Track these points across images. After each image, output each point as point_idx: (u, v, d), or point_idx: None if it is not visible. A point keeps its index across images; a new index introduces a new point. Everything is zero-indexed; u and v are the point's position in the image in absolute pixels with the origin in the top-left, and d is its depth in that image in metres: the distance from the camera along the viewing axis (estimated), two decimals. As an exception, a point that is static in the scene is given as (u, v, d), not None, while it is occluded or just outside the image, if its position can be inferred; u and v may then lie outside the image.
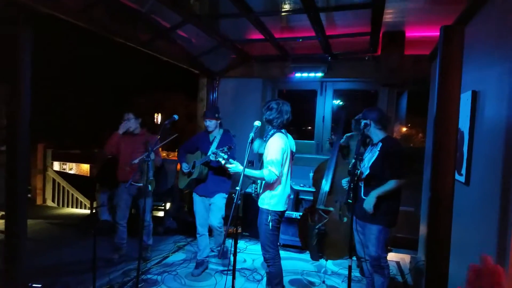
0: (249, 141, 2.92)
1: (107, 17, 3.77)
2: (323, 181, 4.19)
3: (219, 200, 4.09)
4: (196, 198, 4.19)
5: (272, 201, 3.17)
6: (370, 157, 3.23)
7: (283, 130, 3.22)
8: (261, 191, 3.26)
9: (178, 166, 4.65)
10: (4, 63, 3.20)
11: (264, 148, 3.20)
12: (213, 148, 4.00)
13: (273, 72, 5.83)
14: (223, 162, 3.07)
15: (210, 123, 4.05)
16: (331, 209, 4.14)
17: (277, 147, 3.08)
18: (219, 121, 4.10)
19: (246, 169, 2.95)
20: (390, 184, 3.06)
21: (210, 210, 4.13)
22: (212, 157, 3.75)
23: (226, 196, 4.14)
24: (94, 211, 6.22)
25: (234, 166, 3.05)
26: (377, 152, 3.17)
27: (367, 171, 3.17)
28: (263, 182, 3.20)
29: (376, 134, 3.27)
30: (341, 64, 5.42)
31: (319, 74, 5.41)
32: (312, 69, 5.40)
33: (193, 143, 4.22)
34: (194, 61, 5.56)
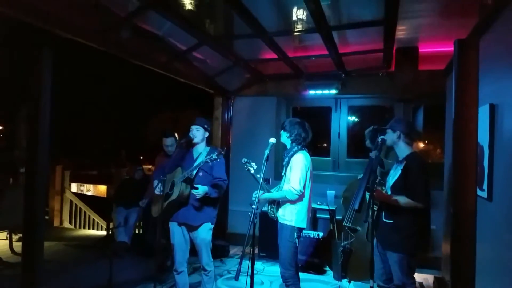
0: (264, 158, 2.96)
1: (125, 40, 3.89)
2: (353, 199, 4.17)
3: (205, 233, 3.47)
4: (174, 228, 3.51)
5: (296, 217, 3.19)
6: (393, 175, 3.03)
7: (306, 149, 3.29)
8: (277, 213, 3.28)
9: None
10: (26, 84, 3.31)
11: (285, 166, 3.25)
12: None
13: (287, 90, 5.89)
14: (252, 171, 3.09)
15: (197, 133, 3.47)
16: (359, 228, 4.07)
17: (301, 164, 3.15)
18: (206, 135, 3.55)
19: (265, 194, 3.15)
20: (407, 200, 2.85)
21: (196, 246, 3.51)
22: (203, 161, 3.20)
23: (212, 227, 3.53)
24: (110, 232, 6.27)
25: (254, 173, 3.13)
26: (400, 171, 2.95)
27: (389, 191, 3.00)
28: (282, 201, 3.24)
29: (403, 150, 3.02)
30: (355, 80, 5.44)
31: (333, 91, 5.44)
32: (326, 86, 5.42)
33: (174, 161, 3.56)
34: (210, 81, 5.67)
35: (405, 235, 2.89)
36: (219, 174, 3.42)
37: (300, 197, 3.16)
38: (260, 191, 3.04)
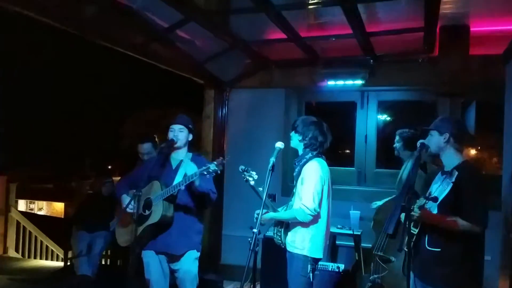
0: (269, 167, 2.96)
1: (88, 16, 3.89)
2: (387, 221, 4.17)
3: (190, 264, 3.52)
4: (150, 259, 3.51)
5: (310, 244, 3.19)
6: (440, 190, 3.00)
7: (323, 156, 3.31)
8: (286, 239, 3.28)
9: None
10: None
11: (296, 177, 3.26)
12: (179, 178, 3.41)
13: (299, 80, 5.90)
14: (251, 183, 3.10)
15: (181, 134, 3.50)
16: (393, 259, 4.05)
17: (316, 176, 3.15)
18: (190, 137, 3.59)
19: (270, 213, 3.18)
20: (462, 222, 2.82)
21: (178, 282, 3.54)
22: (200, 173, 3.17)
23: (198, 255, 3.60)
24: (69, 263, 6.25)
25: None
26: (451, 185, 2.92)
27: (435, 211, 2.98)
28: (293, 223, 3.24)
29: (452, 158, 3.01)
30: (387, 68, 5.44)
31: (359, 82, 5.44)
32: (349, 76, 5.43)
33: (146, 171, 3.48)
34: (199, 69, 5.68)
35: (456, 267, 2.88)
36: (208, 186, 3.43)
37: (315, 218, 3.16)
38: (263, 209, 3.03)
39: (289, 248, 3.27)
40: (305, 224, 3.18)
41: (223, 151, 6.16)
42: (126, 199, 3.56)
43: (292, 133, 3.37)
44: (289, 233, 3.27)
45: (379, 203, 5.11)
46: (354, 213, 5.22)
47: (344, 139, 6.21)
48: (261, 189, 3.12)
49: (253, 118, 6.13)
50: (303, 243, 3.19)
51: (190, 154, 3.61)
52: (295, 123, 3.38)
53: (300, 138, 3.31)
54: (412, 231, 3.03)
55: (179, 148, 3.56)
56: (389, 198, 5.00)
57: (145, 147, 4.61)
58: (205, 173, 3.16)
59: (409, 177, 3.13)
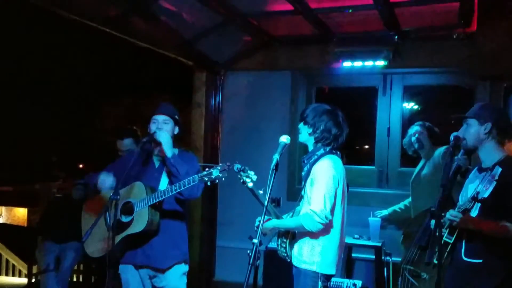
0: (272, 166, 2.96)
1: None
2: (419, 231, 4.18)
3: (178, 281, 3.58)
4: (130, 274, 3.58)
5: (320, 258, 3.19)
6: (481, 190, 2.99)
7: (338, 153, 3.31)
8: (292, 251, 3.30)
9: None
10: None
11: (305, 178, 3.27)
12: (164, 179, 3.53)
13: (308, 61, 5.89)
14: (250, 185, 3.06)
15: (166, 127, 3.53)
16: (424, 275, 4.06)
17: (328, 176, 3.14)
18: (176, 131, 3.65)
19: (273, 220, 3.20)
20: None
21: None
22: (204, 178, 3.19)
23: (187, 269, 3.68)
24: (34, 280, 6.27)
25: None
26: (494, 183, 2.92)
27: (475, 213, 2.98)
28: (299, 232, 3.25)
29: (492, 152, 3.02)
30: (415, 46, 5.44)
31: (381, 63, 5.42)
32: (369, 55, 5.43)
33: (123, 169, 3.44)
34: (187, 48, 5.68)
35: (500, 281, 2.88)
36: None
37: (327, 227, 3.16)
38: (265, 216, 3.03)
39: (295, 263, 3.27)
40: (314, 234, 3.18)
41: (217, 147, 6.19)
42: (106, 176, 3.51)
43: (301, 125, 3.37)
44: (296, 245, 3.28)
45: (385, 212, 5.18)
46: (374, 220, 5.23)
47: (363, 132, 6.21)
48: (261, 192, 3.11)
49: (253, 107, 6.12)
50: (312, 257, 3.19)
51: (176, 150, 3.62)
52: (304, 113, 3.37)
53: (310, 130, 3.30)
54: (446, 239, 3.06)
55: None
56: (398, 205, 5.08)
57: (125, 144, 4.63)
58: (206, 179, 3.18)
59: (444, 177, 3.13)
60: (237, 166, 3.25)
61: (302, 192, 3.35)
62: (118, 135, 4.72)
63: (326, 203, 3.10)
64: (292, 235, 3.32)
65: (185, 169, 3.42)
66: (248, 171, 3.19)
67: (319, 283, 3.17)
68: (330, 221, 3.16)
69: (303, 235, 3.24)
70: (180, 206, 3.59)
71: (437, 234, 2.92)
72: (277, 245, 3.43)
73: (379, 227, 5.19)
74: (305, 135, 3.33)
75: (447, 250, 3.06)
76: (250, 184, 3.11)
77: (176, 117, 3.63)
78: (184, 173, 3.38)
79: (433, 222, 3.01)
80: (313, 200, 3.12)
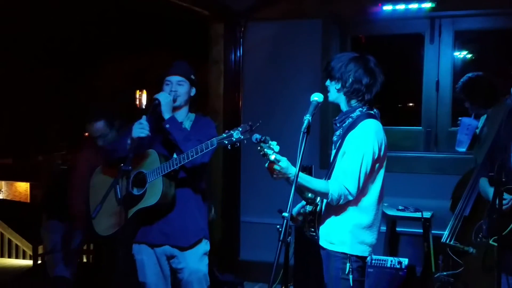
0: (303, 129, 2.90)
1: None
2: (462, 199, 4.15)
3: (199, 262, 3.65)
4: (145, 255, 3.66)
5: (351, 237, 3.15)
6: None
7: (375, 111, 3.20)
8: (321, 230, 3.25)
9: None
10: None
11: (337, 143, 3.19)
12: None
13: (341, 7, 5.80)
14: (272, 157, 2.94)
15: (180, 89, 3.62)
16: (471, 250, 4.04)
17: (365, 147, 3.05)
18: (193, 93, 3.74)
19: (301, 174, 2.93)
20: None
21: (183, 285, 3.65)
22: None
23: (208, 248, 3.76)
24: (40, 261, 6.40)
25: (285, 166, 2.96)
26: None
27: None
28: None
29: None
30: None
31: (427, 5, 5.35)
32: (413, -3, 5.36)
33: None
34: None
35: None
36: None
37: (358, 204, 3.11)
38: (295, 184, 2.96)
39: (323, 244, 3.23)
40: (343, 211, 3.13)
41: (238, 109, 6.18)
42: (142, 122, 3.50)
43: (327, 82, 3.27)
44: (324, 224, 3.23)
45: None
46: (468, 121, 4.88)
47: (407, 87, 6.11)
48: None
49: (278, 62, 6.08)
50: (341, 235, 3.15)
51: (193, 116, 3.72)
52: (327, 67, 3.25)
53: (339, 86, 3.18)
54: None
55: (178, 107, 3.63)
56: None
57: (97, 128, 4.63)
58: (226, 142, 3.20)
59: (499, 135, 3.10)
60: (255, 136, 3.19)
61: (331, 159, 3.27)
62: (87, 118, 4.71)
63: (360, 180, 3.04)
64: (319, 212, 3.28)
65: (182, 135, 3.46)
66: (269, 141, 3.13)
67: (347, 264, 3.13)
68: (364, 190, 3.11)
69: (331, 212, 3.19)
70: (196, 174, 3.61)
71: (496, 204, 2.87)
72: (304, 224, 3.39)
73: (472, 131, 4.85)
74: (334, 92, 3.22)
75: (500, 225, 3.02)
76: (272, 157, 3.05)
77: (192, 77, 3.68)
78: (182, 139, 3.43)
79: (491, 190, 2.97)
80: (348, 175, 3.04)
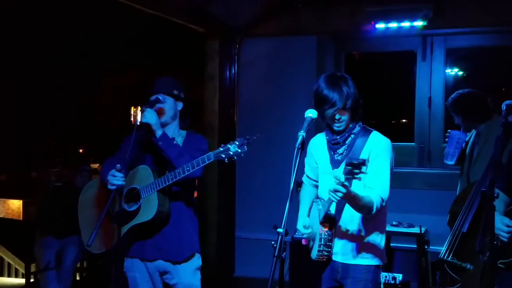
0: (297, 145, 2.93)
1: None
2: (461, 215, 4.17)
3: (192, 277, 3.63)
4: (137, 271, 3.61)
5: (379, 248, 3.22)
6: None
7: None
8: (341, 245, 3.21)
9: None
10: None
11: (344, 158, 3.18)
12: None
13: (336, 24, 5.86)
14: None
15: (164, 106, 3.57)
16: (468, 266, 4.06)
17: (389, 156, 3.17)
18: (179, 107, 3.70)
19: (354, 192, 2.90)
20: None
21: None
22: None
23: (200, 263, 3.71)
24: (32, 280, 6.38)
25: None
26: None
27: None
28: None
29: None
30: (459, 2, 5.37)
31: (420, 23, 5.39)
32: (406, 15, 5.38)
33: (126, 153, 3.49)
34: (198, 12, 5.65)
35: None
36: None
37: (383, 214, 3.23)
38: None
39: (347, 260, 3.21)
40: (371, 224, 3.21)
41: (233, 125, 6.20)
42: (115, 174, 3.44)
43: (340, 116, 3.29)
44: (346, 238, 3.20)
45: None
46: (457, 134, 4.85)
47: (400, 104, 6.14)
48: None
49: (273, 78, 6.11)
50: (374, 248, 3.21)
51: (184, 133, 3.70)
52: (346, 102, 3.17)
53: (351, 113, 3.20)
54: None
55: (165, 124, 3.60)
56: None
57: None
58: (223, 156, 3.19)
59: (495, 152, 3.10)
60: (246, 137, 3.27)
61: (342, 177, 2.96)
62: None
63: (389, 187, 3.15)
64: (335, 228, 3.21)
65: (175, 151, 3.44)
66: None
67: (381, 274, 3.26)
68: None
69: (353, 225, 3.21)
70: (188, 188, 3.61)
71: (489, 220, 2.89)
72: (319, 251, 3.19)
73: (462, 144, 4.86)
74: (347, 121, 3.21)
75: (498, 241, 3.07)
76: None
77: (175, 92, 3.63)
78: (176, 156, 3.42)
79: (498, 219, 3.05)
80: (381, 184, 3.11)
